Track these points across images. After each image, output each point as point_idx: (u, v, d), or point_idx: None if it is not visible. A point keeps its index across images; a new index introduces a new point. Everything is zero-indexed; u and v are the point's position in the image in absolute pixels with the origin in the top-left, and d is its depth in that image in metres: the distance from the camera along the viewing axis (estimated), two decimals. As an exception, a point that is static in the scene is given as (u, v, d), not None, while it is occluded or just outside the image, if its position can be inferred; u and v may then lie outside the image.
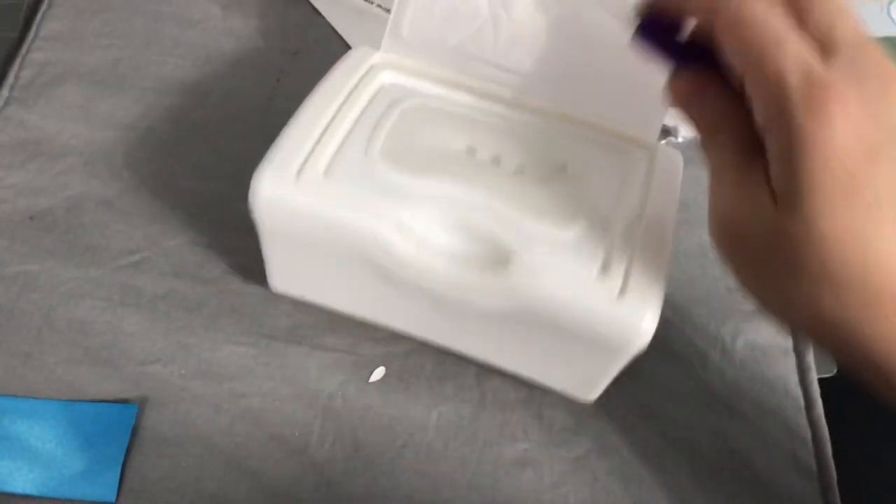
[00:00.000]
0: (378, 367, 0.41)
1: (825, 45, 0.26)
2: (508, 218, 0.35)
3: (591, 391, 0.39)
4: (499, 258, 0.34)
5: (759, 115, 0.26)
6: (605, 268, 0.34)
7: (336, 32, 0.56)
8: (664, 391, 0.42)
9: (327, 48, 0.55)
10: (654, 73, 0.33)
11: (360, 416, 0.40)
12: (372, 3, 0.57)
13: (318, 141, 0.37)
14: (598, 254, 0.34)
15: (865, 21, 0.61)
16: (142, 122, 0.49)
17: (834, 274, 0.25)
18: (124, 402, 0.39)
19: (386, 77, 0.41)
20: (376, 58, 0.41)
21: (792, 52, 0.25)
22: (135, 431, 0.38)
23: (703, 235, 0.48)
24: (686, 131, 0.50)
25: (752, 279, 0.28)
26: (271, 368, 0.41)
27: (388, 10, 0.56)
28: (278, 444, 0.38)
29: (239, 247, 0.44)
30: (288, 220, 0.36)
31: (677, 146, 0.51)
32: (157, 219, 0.45)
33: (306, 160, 0.36)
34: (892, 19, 0.57)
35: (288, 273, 0.41)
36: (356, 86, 0.40)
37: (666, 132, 0.51)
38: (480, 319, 0.36)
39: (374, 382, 0.40)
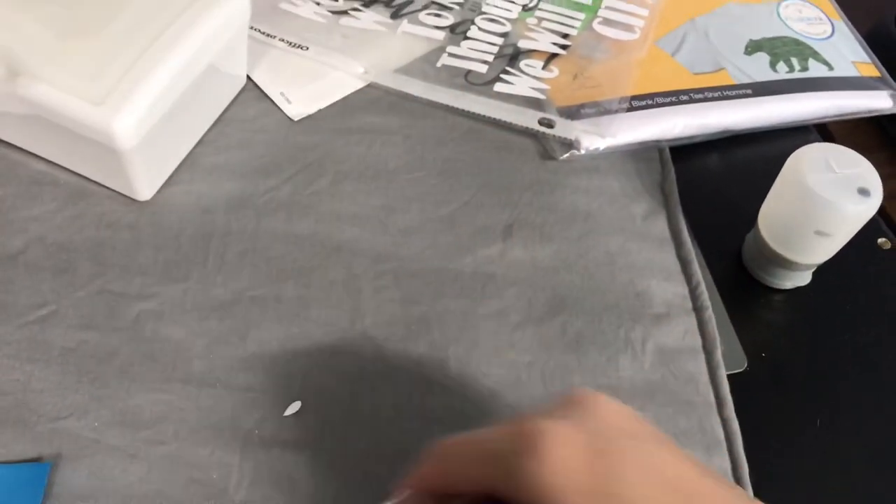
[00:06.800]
0: (294, 400, 0.41)
1: None
2: (26, 33, 0.41)
3: (139, 191, 0.47)
4: (12, 69, 0.41)
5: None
6: (99, 76, 0.41)
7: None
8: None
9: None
10: None
11: (279, 452, 0.40)
12: (273, 37, 0.58)
13: None
14: (100, 65, 0.41)
15: (756, 22, 0.60)
16: (44, 176, 0.49)
17: None
18: (37, 461, 0.38)
19: None
20: None
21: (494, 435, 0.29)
22: (48, 490, 0.37)
23: (609, 244, 0.49)
24: (589, 143, 0.51)
25: None
26: (186, 412, 0.40)
27: (289, 42, 0.57)
28: (198, 487, 0.38)
29: (150, 293, 0.44)
30: None
31: (580, 157, 0.52)
32: (65, 270, 0.45)
33: None
34: (782, 20, 0.59)
35: None
36: None
37: (568, 145, 0.52)
38: (16, 120, 0.44)
39: (289, 416, 0.41)
